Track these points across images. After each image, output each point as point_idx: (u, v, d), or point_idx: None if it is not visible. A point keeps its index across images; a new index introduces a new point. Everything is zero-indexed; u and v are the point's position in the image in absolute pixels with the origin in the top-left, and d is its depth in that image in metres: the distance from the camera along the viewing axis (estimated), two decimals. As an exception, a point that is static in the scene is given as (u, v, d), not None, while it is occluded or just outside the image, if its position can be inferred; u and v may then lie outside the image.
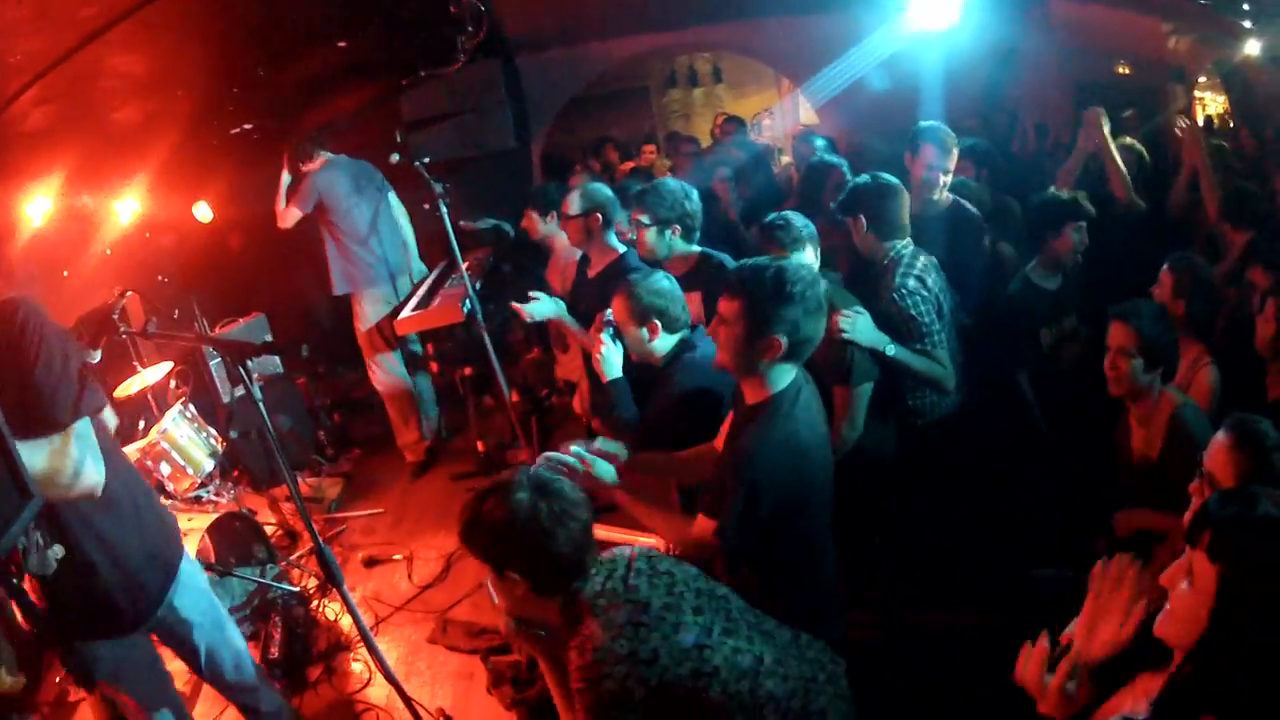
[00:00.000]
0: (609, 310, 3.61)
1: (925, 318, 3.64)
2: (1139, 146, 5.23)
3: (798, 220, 3.68)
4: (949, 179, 4.36)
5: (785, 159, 8.62)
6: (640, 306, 3.47)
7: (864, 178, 3.88)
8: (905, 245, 3.78)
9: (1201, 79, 6.04)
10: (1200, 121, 5.85)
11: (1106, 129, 4.83)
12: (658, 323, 3.48)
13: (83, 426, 2.45)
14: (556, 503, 2.24)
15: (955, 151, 4.33)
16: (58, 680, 4.08)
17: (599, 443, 3.12)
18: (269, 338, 6.82)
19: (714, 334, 2.73)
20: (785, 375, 2.67)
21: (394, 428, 6.52)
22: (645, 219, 3.98)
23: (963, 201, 4.51)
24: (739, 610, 2.39)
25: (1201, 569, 1.59)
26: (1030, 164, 6.45)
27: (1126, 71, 6.60)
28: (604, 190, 4.45)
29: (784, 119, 10.93)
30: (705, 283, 3.94)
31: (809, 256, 3.65)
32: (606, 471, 2.92)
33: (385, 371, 6.34)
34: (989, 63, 7.24)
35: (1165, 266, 3.72)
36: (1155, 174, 5.22)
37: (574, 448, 2.94)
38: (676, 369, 3.52)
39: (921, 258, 3.76)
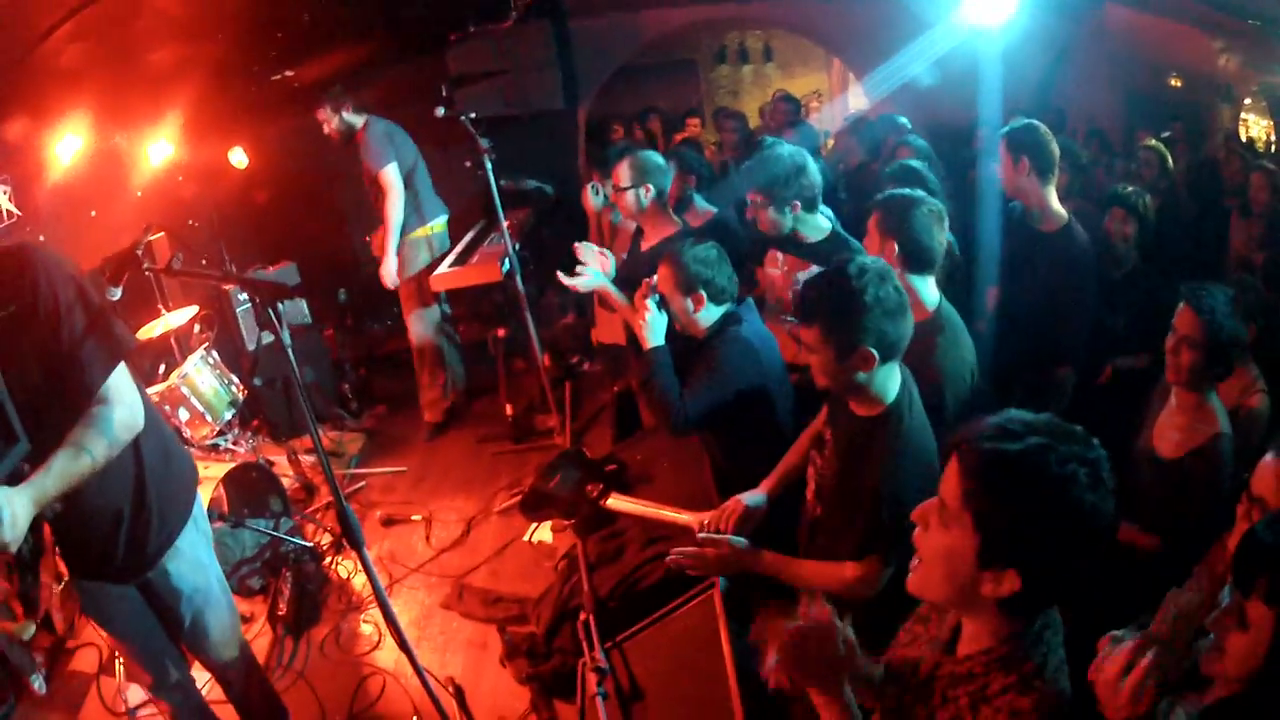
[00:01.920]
0: (655, 278, 3.49)
1: None
2: (1161, 148, 5.26)
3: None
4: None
5: (830, 143, 8.43)
6: (686, 276, 3.38)
7: None
8: None
9: (1248, 100, 5.92)
10: (1244, 142, 5.85)
11: None
12: (703, 293, 3.40)
13: (118, 370, 2.33)
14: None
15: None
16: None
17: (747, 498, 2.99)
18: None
19: (807, 360, 2.58)
20: (892, 379, 2.49)
21: (419, 384, 6.40)
22: (759, 199, 3.78)
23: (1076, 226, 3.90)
24: None
25: (1258, 614, 1.53)
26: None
27: (1178, 85, 6.45)
28: (654, 159, 4.26)
29: (833, 103, 10.80)
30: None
31: None
32: (741, 542, 2.77)
33: (422, 325, 6.20)
34: (1040, 62, 7.04)
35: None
36: (1204, 202, 5.19)
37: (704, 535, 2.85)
38: (720, 342, 3.42)
39: None
